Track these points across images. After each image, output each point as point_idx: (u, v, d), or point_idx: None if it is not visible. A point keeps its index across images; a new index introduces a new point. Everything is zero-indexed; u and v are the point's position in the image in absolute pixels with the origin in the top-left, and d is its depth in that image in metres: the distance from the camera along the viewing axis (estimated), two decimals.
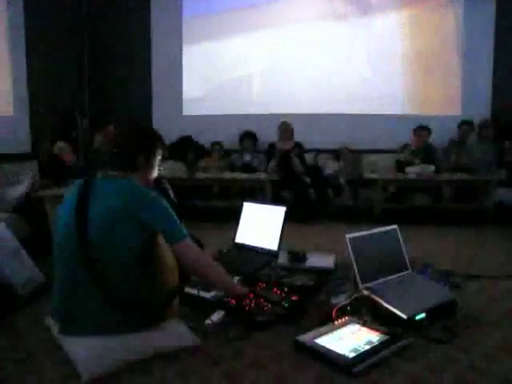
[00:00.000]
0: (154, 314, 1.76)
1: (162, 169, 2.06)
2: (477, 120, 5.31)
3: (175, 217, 1.79)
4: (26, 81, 5.14)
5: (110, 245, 1.66)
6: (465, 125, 5.25)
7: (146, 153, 1.90)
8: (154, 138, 1.98)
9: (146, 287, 1.75)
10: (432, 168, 4.61)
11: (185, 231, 1.80)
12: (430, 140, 5.06)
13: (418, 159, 4.82)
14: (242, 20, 6.04)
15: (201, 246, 2.34)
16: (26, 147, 5.08)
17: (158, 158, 1.98)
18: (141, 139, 1.93)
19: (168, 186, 2.28)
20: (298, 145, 5.08)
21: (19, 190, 3.43)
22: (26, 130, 5.14)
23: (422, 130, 4.97)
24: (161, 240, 1.76)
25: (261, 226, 2.73)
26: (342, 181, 4.92)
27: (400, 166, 4.87)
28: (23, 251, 2.48)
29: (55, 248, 1.78)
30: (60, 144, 3.88)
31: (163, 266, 1.78)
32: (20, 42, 5.05)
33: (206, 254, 2.00)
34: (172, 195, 2.27)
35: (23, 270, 2.37)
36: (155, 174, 2.00)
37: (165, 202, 1.79)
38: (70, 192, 1.84)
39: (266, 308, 2.02)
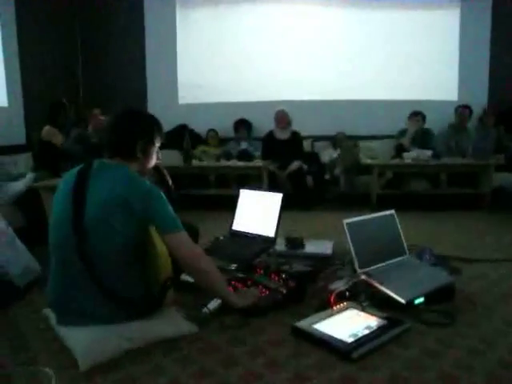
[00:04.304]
0: (149, 303, 1.75)
1: (160, 156, 1.99)
2: (475, 106, 5.28)
3: (171, 208, 1.75)
4: (20, 71, 5.08)
5: (105, 233, 1.64)
6: (463, 109, 5.20)
7: (144, 141, 1.82)
8: (154, 125, 1.89)
9: (140, 277, 1.73)
10: (429, 153, 4.60)
11: (179, 224, 1.74)
12: (427, 125, 5.06)
13: (415, 145, 4.82)
14: (237, 6, 5.97)
15: (197, 233, 2.34)
16: (20, 139, 5.04)
17: (157, 145, 1.90)
18: (140, 126, 1.83)
19: (166, 174, 2.27)
20: (296, 133, 5.03)
21: (19, 185, 3.42)
22: (21, 121, 5.10)
23: (415, 115, 5.04)
24: (154, 229, 1.75)
25: (258, 213, 2.72)
26: (337, 171, 4.89)
27: (400, 151, 4.86)
28: (19, 241, 2.46)
29: (50, 238, 1.75)
30: (46, 128, 3.95)
31: (157, 256, 1.75)
32: (12, 31, 4.97)
33: (200, 248, 1.87)
34: (170, 182, 2.25)
35: (19, 260, 2.36)
36: (153, 162, 1.92)
37: (161, 194, 1.75)
38: (64, 181, 1.79)
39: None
